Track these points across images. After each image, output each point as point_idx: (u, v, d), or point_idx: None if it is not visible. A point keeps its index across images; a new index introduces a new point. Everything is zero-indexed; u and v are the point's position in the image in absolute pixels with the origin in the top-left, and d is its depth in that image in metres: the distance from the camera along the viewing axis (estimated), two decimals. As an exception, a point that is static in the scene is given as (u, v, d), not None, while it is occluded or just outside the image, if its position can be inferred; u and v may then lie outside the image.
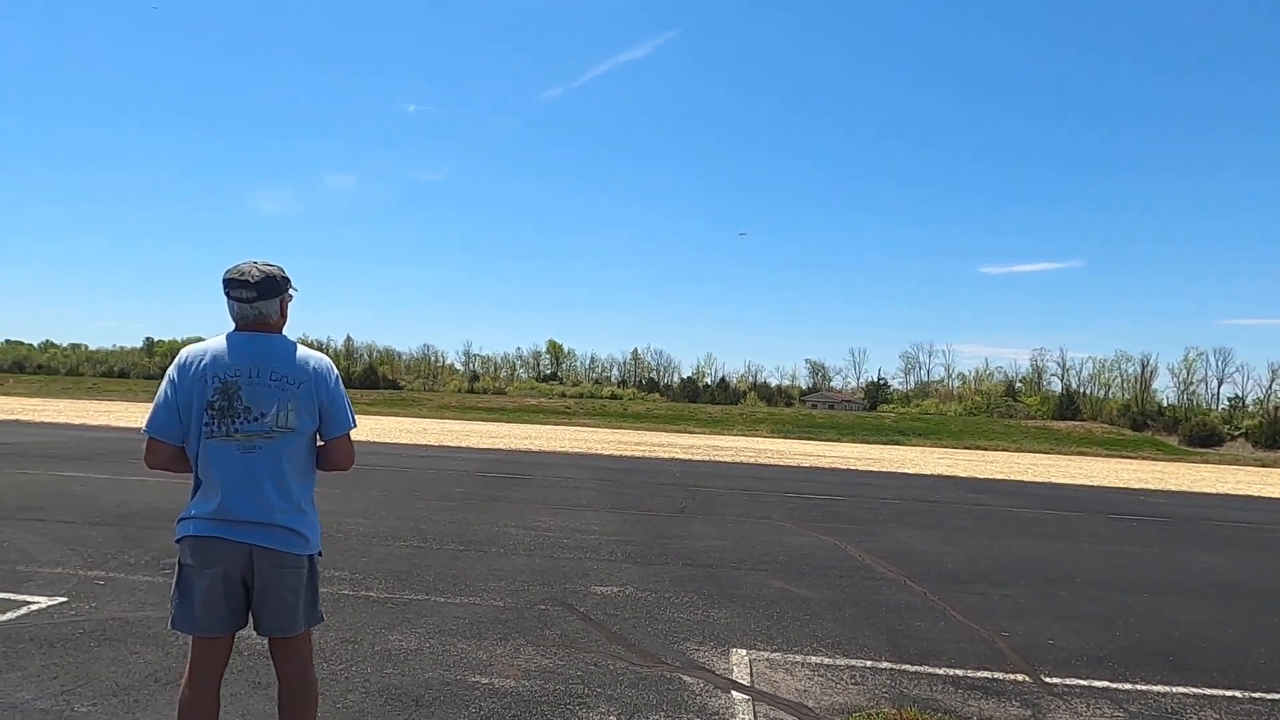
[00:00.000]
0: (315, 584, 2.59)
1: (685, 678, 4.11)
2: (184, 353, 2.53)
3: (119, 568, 5.75)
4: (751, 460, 24.94)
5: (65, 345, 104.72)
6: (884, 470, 24.32)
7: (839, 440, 59.70)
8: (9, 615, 4.47)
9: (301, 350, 2.55)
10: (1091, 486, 22.57)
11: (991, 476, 24.42)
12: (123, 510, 8.27)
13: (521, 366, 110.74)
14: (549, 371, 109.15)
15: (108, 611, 4.66)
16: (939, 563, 8.00)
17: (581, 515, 9.90)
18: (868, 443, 58.21)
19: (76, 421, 26.01)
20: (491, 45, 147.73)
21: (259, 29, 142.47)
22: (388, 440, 24.82)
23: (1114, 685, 4.44)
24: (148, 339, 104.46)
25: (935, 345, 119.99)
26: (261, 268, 2.50)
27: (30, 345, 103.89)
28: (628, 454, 24.38)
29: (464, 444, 24.81)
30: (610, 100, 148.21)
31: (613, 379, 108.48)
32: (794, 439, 56.56)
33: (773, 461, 25.09)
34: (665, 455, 24.92)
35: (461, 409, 70.71)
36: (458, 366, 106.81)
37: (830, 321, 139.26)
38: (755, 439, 51.78)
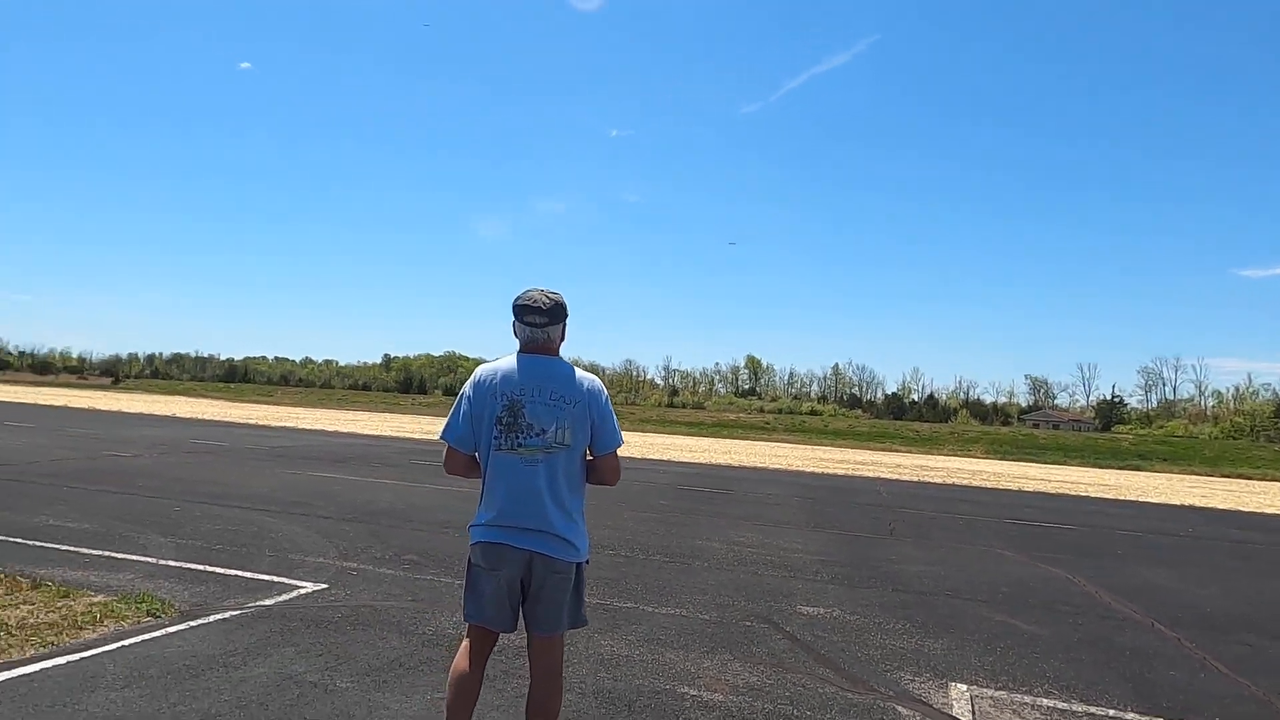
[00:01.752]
0: (581, 589, 2.80)
1: (900, 708, 3.93)
2: (479, 371, 2.80)
3: (368, 560, 6.44)
4: (965, 482, 23.38)
5: (320, 361, 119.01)
6: (1121, 498, 21.87)
7: (1065, 463, 54.46)
8: (285, 597, 5.15)
9: (578, 372, 2.77)
10: (1395, 527, 18.93)
11: (1259, 510, 21.20)
12: (370, 509, 9.25)
13: (720, 381, 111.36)
14: (747, 386, 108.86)
15: (360, 599, 5.22)
16: (1194, 605, 7.07)
17: (784, 533, 9.77)
18: (1101, 467, 52.63)
19: (330, 429, 29.43)
20: (690, 65, 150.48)
21: (474, 67, 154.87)
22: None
23: None
24: (386, 355, 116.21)
25: (1182, 359, 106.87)
26: (550, 295, 2.74)
27: (293, 361, 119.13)
28: (830, 471, 23.73)
29: (665, 457, 25.30)
30: (809, 111, 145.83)
31: (812, 395, 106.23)
32: (1013, 460, 52.28)
33: (989, 484, 23.37)
34: (870, 474, 23.99)
35: (661, 423, 72.19)
36: (658, 381, 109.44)
37: (1054, 334, 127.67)
38: (968, 460, 48.43)
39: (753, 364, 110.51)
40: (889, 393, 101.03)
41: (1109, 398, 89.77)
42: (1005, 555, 9.30)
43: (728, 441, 48.09)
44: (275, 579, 5.59)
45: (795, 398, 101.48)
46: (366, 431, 29.01)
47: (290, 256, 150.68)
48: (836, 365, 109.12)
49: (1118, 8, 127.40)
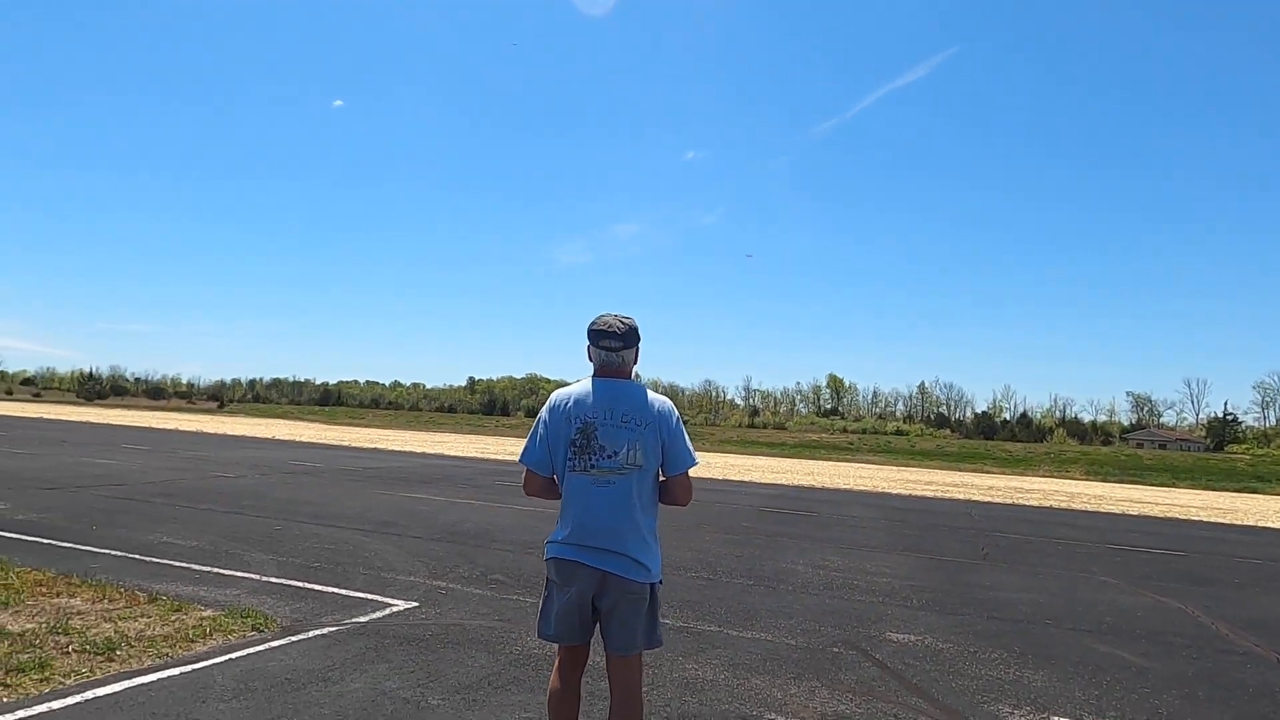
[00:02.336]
0: (655, 610, 2.81)
1: (998, 742, 3.77)
2: (554, 396, 2.88)
3: (456, 579, 6.59)
4: (1063, 505, 22.32)
5: (408, 384, 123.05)
6: (1237, 523, 20.48)
7: (1174, 485, 51.39)
8: (378, 614, 5.32)
9: (650, 395, 2.82)
10: None
11: (1397, 537, 19.49)
12: (457, 529, 9.48)
13: (801, 401, 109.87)
14: (829, 406, 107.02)
15: (450, 618, 5.35)
16: (1325, 640, 6.55)
17: (871, 556, 9.54)
18: (1213, 489, 49.45)
19: (418, 450, 30.29)
20: (763, 86, 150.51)
21: (551, 97, 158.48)
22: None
23: None
24: (470, 378, 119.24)
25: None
26: (623, 321, 2.82)
27: (383, 385, 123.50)
28: (917, 493, 23.03)
29: (746, 479, 25.05)
30: (884, 126, 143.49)
31: (897, 414, 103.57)
32: (1115, 482, 49.62)
33: (1089, 507, 22.25)
34: (959, 496, 23.17)
35: (742, 444, 71.55)
36: (738, 401, 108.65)
37: (1158, 349, 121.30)
38: (1066, 481, 46.22)
39: (835, 383, 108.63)
40: (979, 411, 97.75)
41: (1221, 415, 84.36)
42: (1108, 582, 8.83)
43: (810, 462, 47.25)
44: (370, 596, 5.78)
45: (879, 417, 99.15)
46: (452, 453, 29.74)
47: (380, 285, 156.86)
48: (922, 383, 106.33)
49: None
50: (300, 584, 6.03)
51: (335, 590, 5.89)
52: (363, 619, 5.15)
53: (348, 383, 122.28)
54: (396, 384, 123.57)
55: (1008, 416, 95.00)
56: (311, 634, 4.72)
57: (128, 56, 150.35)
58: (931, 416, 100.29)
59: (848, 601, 6.79)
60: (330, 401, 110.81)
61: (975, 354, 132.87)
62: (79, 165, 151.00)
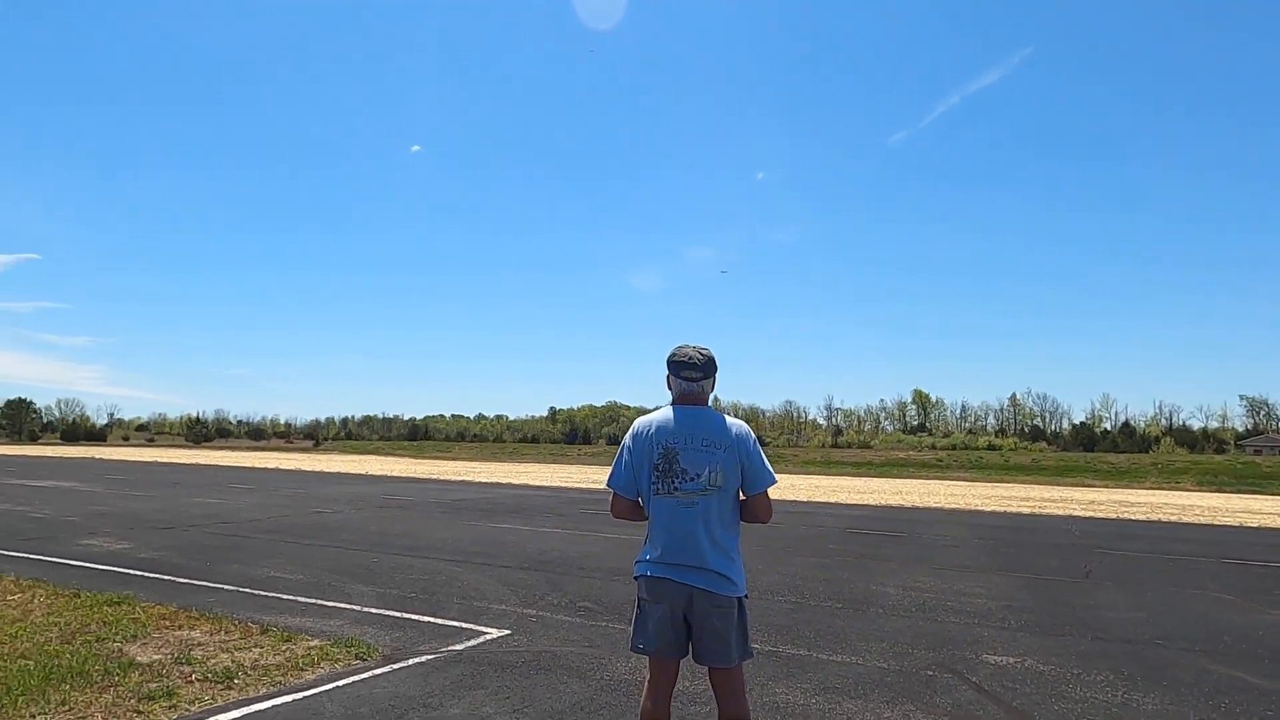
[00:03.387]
0: (745, 623, 2.93)
1: (1106, 768, 3.63)
2: (637, 423, 3.06)
3: (546, 607, 6.73)
4: (1173, 519, 21.10)
5: (492, 416, 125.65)
6: (1374, 533, 18.94)
7: (1299, 494, 47.86)
8: (473, 642, 5.49)
9: (727, 419, 2.97)
10: None
11: None
12: (544, 558, 9.65)
13: (886, 418, 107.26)
14: (916, 423, 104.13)
15: (541, 645, 5.47)
16: None
17: (965, 576, 9.26)
18: (1345, 497, 45.82)
19: (503, 481, 30.89)
20: (833, 98, 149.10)
21: (621, 121, 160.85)
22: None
23: None
24: (551, 408, 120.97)
25: None
26: (701, 352, 3.00)
27: (468, 418, 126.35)
28: (1013, 510, 22.15)
29: (831, 499, 24.60)
30: (963, 133, 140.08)
31: (988, 428, 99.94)
32: (1230, 493, 46.53)
33: (1202, 520, 20.96)
34: (1059, 512, 22.17)
35: (826, 464, 70.25)
36: (820, 421, 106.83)
37: (1273, 349, 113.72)
38: (1175, 493, 43.60)
39: (920, 398, 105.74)
40: (1076, 422, 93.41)
41: (1349, 417, 78.26)
42: (1226, 600, 8.33)
43: (898, 481, 46.01)
44: (464, 625, 5.96)
45: (970, 432, 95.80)
46: (536, 482, 30.20)
47: (462, 322, 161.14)
48: (1014, 395, 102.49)
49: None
50: (398, 614, 6.27)
51: (431, 619, 6.10)
52: (458, 647, 5.32)
53: (434, 417, 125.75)
54: (481, 416, 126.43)
55: (1108, 426, 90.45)
56: (411, 662, 4.91)
57: (233, 129, 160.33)
58: (1025, 429, 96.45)
59: (941, 624, 6.62)
60: (418, 436, 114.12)
61: (1070, 362, 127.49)
62: (189, 228, 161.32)
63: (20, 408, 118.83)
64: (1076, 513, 22.26)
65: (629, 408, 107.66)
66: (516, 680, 4.62)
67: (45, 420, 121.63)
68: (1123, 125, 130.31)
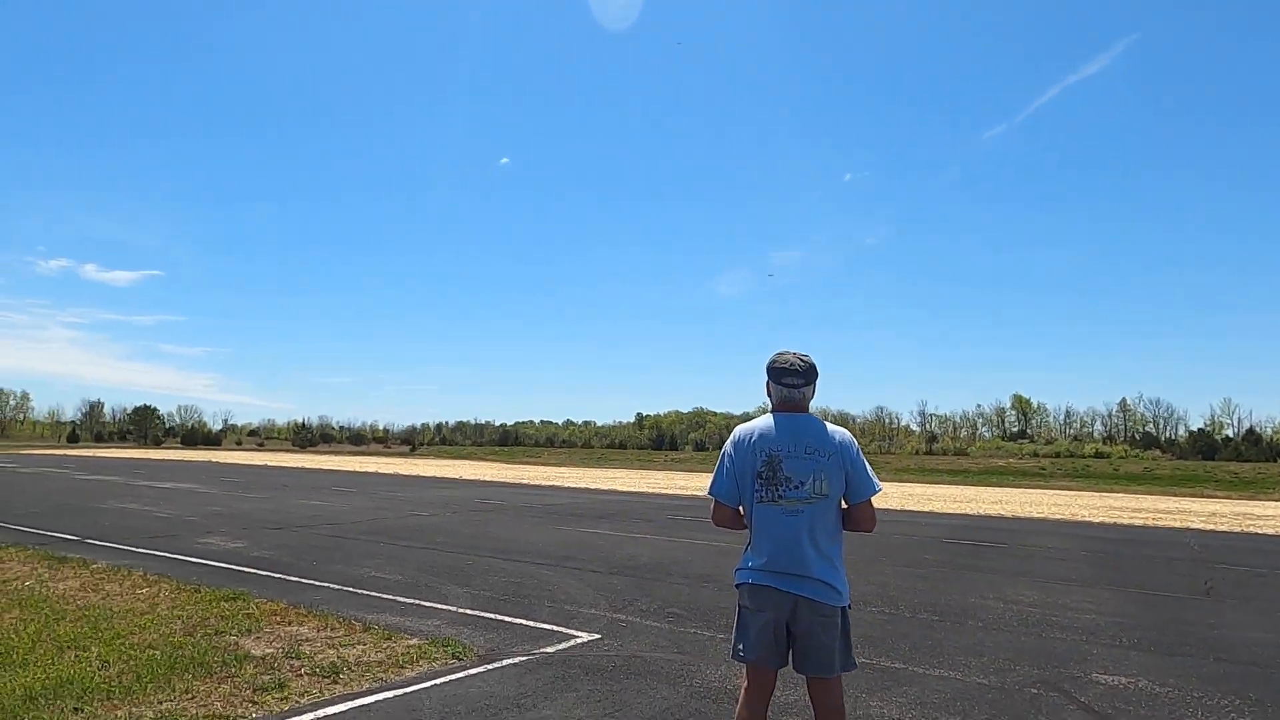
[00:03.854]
0: (848, 633, 2.91)
1: (1231, 798, 3.40)
2: (737, 431, 3.05)
3: (635, 612, 6.77)
4: (1306, 533, 19.54)
5: (580, 422, 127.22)
6: None
7: None
8: (564, 645, 5.57)
9: (830, 427, 2.94)
10: None
11: None
12: (633, 563, 9.72)
13: (984, 424, 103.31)
14: (1016, 429, 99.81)
15: (630, 650, 5.51)
16: None
17: (1071, 591, 8.82)
18: None
19: (591, 486, 31.22)
20: (923, 95, 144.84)
21: (706, 125, 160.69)
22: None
23: None
24: (638, 414, 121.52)
25: None
26: (802, 359, 2.98)
27: (557, 424, 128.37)
28: (1123, 522, 20.96)
29: (926, 508, 23.84)
30: (1063, 127, 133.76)
31: (1095, 435, 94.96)
32: (1374, 505, 42.74)
33: (1341, 535, 19.33)
34: (1175, 524, 20.85)
35: (920, 471, 68.11)
36: (913, 427, 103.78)
37: None
38: (1310, 505, 40.36)
39: (1020, 404, 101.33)
40: (1194, 429, 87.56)
41: None
42: (1369, 622, 7.67)
43: (997, 490, 44.25)
44: (555, 628, 6.07)
45: (1075, 439, 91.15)
46: (624, 488, 30.40)
47: (550, 328, 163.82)
48: (1124, 400, 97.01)
49: None
50: (491, 615, 6.43)
51: (523, 622, 6.23)
52: (550, 649, 5.42)
53: (524, 423, 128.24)
54: (569, 422, 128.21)
55: (1230, 433, 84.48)
56: (505, 663, 5.03)
57: (331, 162, 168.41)
58: (1136, 436, 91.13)
59: (1045, 639, 6.34)
60: (509, 441, 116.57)
61: (1185, 365, 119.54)
62: (295, 247, 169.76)
63: (146, 414, 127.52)
64: (1195, 525, 20.89)
65: (715, 414, 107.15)
66: (607, 684, 4.67)
67: (168, 425, 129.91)
68: (1240, 108, 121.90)
